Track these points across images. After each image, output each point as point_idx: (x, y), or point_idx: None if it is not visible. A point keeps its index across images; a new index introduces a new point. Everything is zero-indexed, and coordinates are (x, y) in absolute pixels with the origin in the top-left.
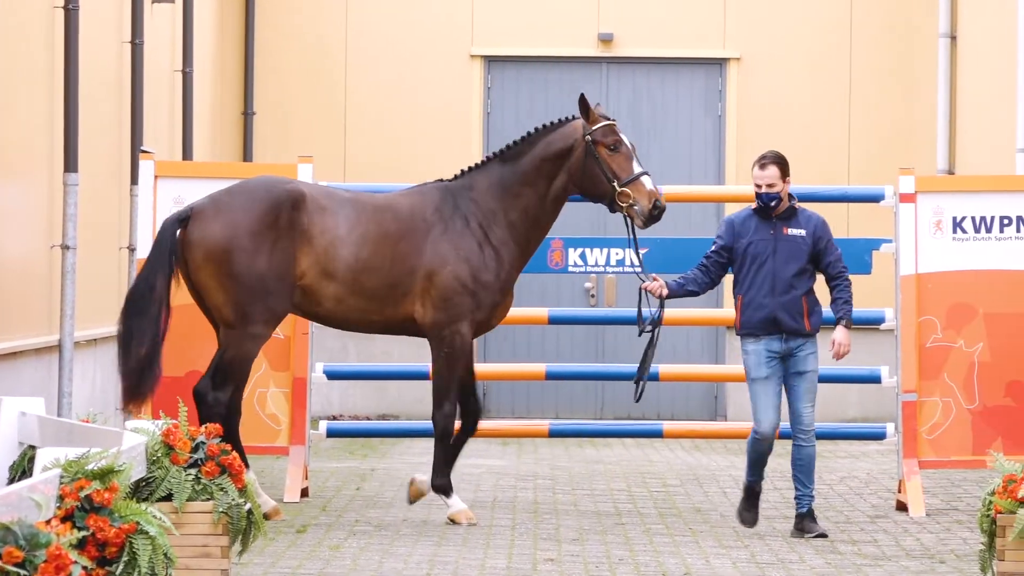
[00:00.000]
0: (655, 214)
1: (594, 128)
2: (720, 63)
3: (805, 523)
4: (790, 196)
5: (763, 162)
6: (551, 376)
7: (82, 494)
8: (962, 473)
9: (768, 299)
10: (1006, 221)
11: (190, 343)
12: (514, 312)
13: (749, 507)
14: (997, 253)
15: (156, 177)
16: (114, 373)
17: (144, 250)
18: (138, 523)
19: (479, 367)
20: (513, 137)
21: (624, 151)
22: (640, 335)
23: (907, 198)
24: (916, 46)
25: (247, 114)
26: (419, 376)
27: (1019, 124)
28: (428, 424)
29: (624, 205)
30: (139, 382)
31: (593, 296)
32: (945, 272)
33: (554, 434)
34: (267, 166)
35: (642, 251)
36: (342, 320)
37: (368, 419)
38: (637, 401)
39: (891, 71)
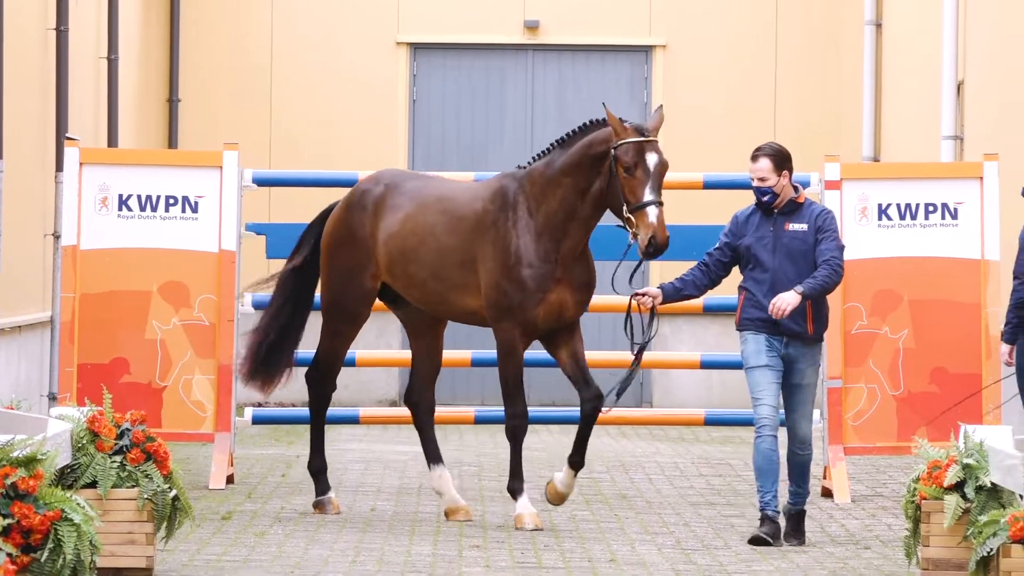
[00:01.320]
0: (650, 251)
1: (619, 143)
2: (646, 50)
3: (790, 526)
4: (795, 188)
5: (755, 154)
6: (477, 363)
7: (7, 481)
8: (887, 459)
9: (768, 300)
10: (931, 208)
11: (115, 331)
12: None
13: (763, 527)
14: (922, 240)
15: (81, 164)
16: (40, 360)
17: (69, 237)
18: (63, 510)
19: (405, 354)
20: (439, 125)
21: (639, 175)
22: (632, 349)
23: (832, 185)
24: (842, 34)
25: (172, 101)
26: (345, 363)
27: (944, 111)
28: (353, 411)
29: (630, 231)
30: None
31: None
32: (870, 259)
33: (480, 421)
34: (192, 153)
35: None
36: (432, 311)
37: (294, 406)
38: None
39: (817, 59)
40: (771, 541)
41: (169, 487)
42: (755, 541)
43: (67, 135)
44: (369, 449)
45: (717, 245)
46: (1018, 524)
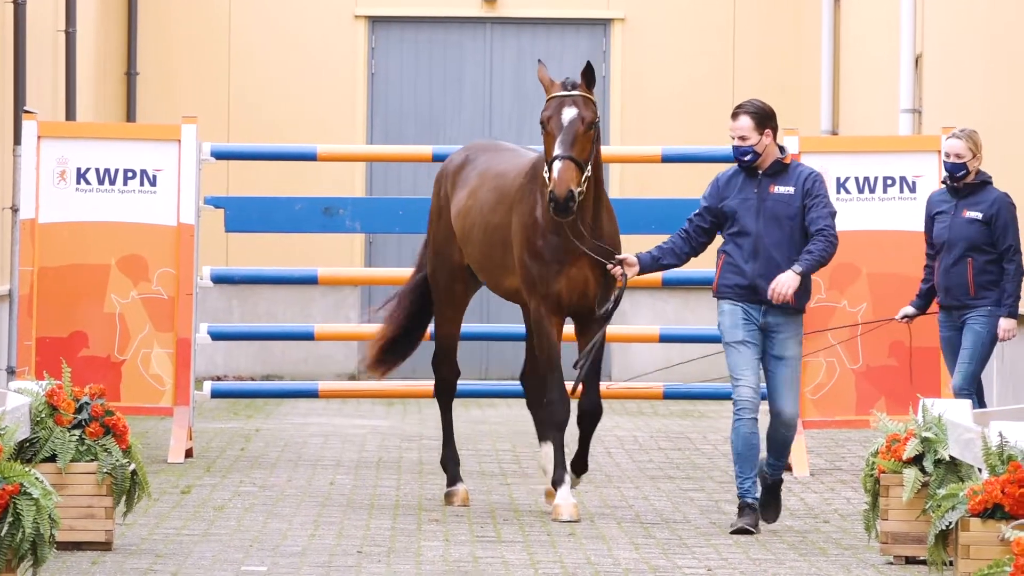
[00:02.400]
0: (549, 208)
1: (546, 100)
2: (604, 23)
3: (766, 497)
4: (781, 149)
5: (735, 112)
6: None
7: None
8: (846, 433)
9: (749, 265)
10: (889, 182)
11: (73, 305)
12: (398, 273)
13: (744, 518)
14: (880, 213)
15: (39, 137)
16: (2, 332)
17: (27, 210)
18: (22, 484)
19: (363, 328)
20: (398, 98)
21: (551, 130)
22: (597, 316)
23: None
24: (801, 7)
25: (131, 74)
26: (303, 336)
27: (902, 85)
28: (312, 385)
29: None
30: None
31: None
32: None
33: None
34: (151, 126)
35: None
36: (493, 290)
37: (252, 380)
38: (578, 382)
39: (776, 32)
40: (754, 531)
41: (128, 461)
42: (738, 532)
43: (25, 108)
44: (328, 423)
45: (697, 211)
46: (976, 498)
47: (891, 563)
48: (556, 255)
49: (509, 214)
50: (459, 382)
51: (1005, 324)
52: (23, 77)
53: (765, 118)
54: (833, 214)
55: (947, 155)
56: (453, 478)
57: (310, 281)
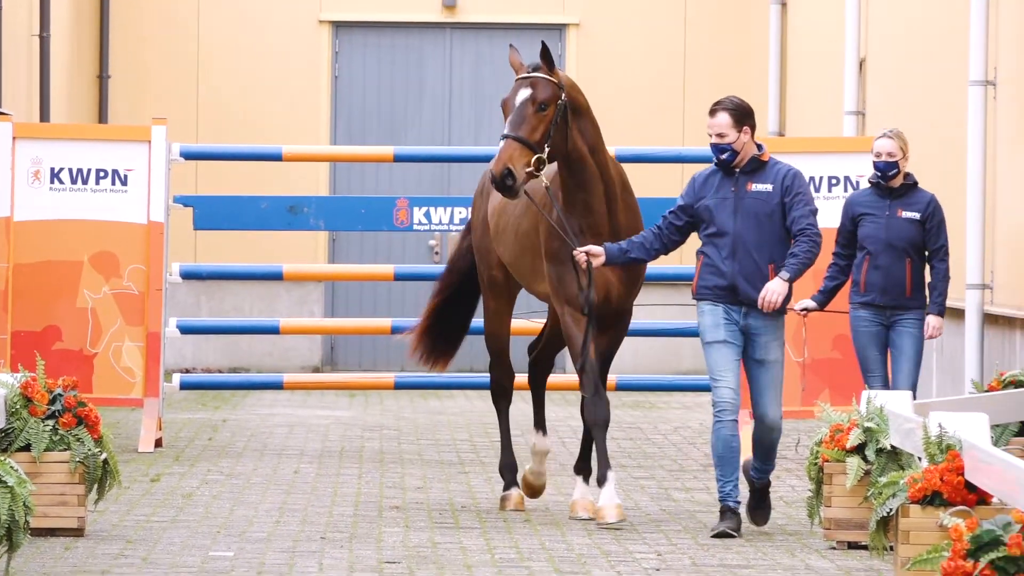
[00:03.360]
0: (494, 183)
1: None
2: (560, 28)
3: (754, 499)
4: (758, 147)
5: (713, 108)
6: (397, 330)
7: None
8: (791, 423)
9: (727, 265)
10: (834, 181)
11: (47, 300)
12: (361, 269)
13: (725, 522)
14: (825, 210)
15: (14, 138)
16: None
17: (2, 209)
18: None
19: (326, 322)
20: (360, 101)
21: (505, 110)
22: (584, 308)
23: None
24: (749, 12)
25: (103, 77)
26: (269, 330)
27: (846, 87)
28: (277, 377)
29: None
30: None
31: (437, 253)
32: None
33: (400, 386)
34: (122, 127)
35: None
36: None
37: (220, 372)
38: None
39: (725, 36)
40: (735, 535)
41: (100, 450)
42: (719, 536)
43: (1, 110)
44: (293, 414)
45: (672, 208)
46: (916, 485)
47: (834, 548)
48: (555, 253)
49: (535, 219)
50: (418, 374)
51: (935, 322)
52: None
53: (743, 115)
54: (814, 212)
55: (878, 154)
56: (509, 484)
57: (275, 277)
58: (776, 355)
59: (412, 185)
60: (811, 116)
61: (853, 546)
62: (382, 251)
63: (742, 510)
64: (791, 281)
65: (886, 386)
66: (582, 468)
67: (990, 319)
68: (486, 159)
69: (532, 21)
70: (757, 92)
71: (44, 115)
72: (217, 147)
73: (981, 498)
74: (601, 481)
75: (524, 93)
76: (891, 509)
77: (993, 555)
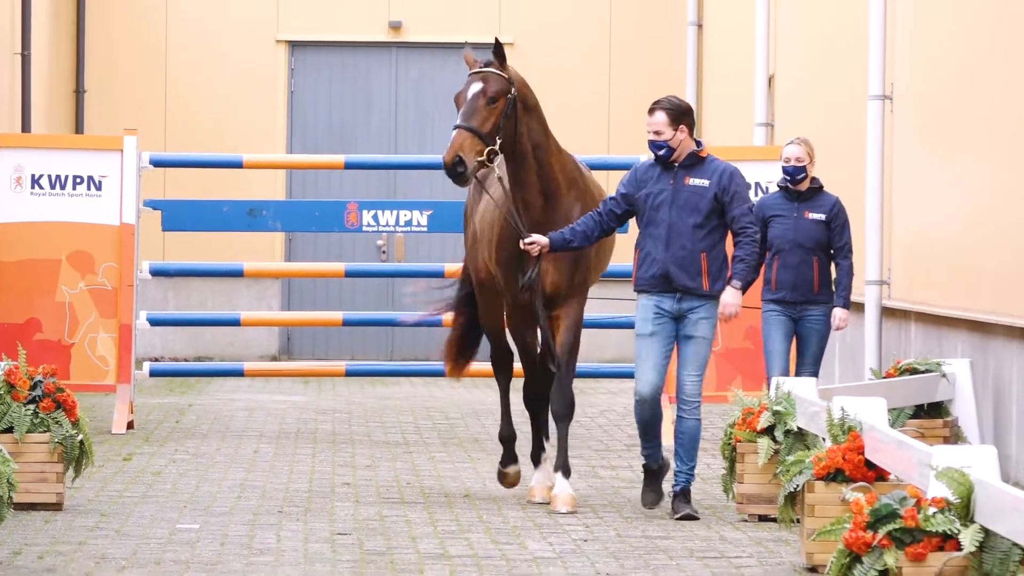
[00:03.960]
0: (445, 170)
1: None
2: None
3: (677, 503)
4: (697, 143)
5: (652, 108)
6: (347, 323)
7: None
8: (707, 407)
9: (662, 254)
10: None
11: (29, 295)
12: (314, 266)
13: (649, 486)
14: None
15: None
16: None
17: None
18: None
19: (283, 315)
20: (314, 114)
21: (458, 103)
22: (523, 289)
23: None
24: (668, 32)
25: (79, 92)
26: (230, 323)
27: (757, 101)
28: (238, 365)
29: None
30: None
31: (384, 252)
32: None
33: (350, 374)
34: (96, 137)
35: (426, 214)
36: None
37: (186, 360)
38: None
39: (647, 55)
40: (653, 507)
41: (76, 432)
42: (648, 505)
43: None
44: (253, 399)
45: (614, 196)
46: (820, 463)
47: (746, 520)
48: (516, 249)
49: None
50: (367, 362)
51: (842, 315)
52: None
53: (680, 114)
54: (751, 209)
55: (787, 160)
56: (507, 459)
57: (237, 274)
58: (704, 332)
59: (361, 190)
60: (725, 128)
61: (764, 519)
62: (334, 250)
63: (636, 492)
64: (744, 289)
65: (786, 375)
66: (535, 454)
67: (887, 312)
68: (429, 167)
69: (471, 41)
70: None
71: (25, 126)
72: (183, 155)
73: (879, 475)
74: (557, 469)
75: (475, 87)
76: (798, 485)
77: (890, 526)
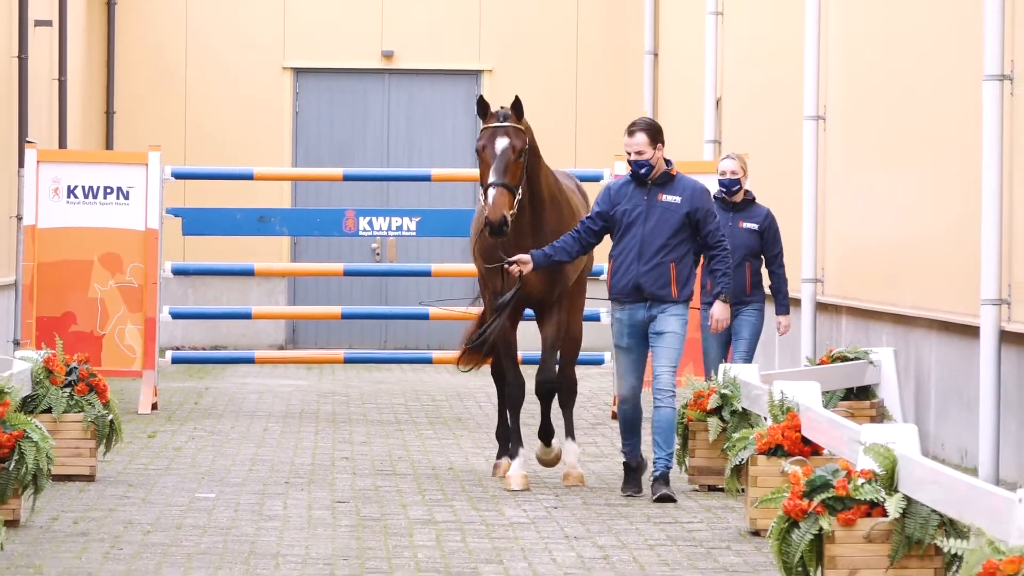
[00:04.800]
0: (487, 230)
1: (481, 129)
2: (476, 73)
3: (656, 486)
4: (667, 162)
5: (631, 129)
6: (346, 316)
7: None
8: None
9: (634, 265)
10: None
11: (65, 291)
12: (316, 267)
13: (629, 483)
14: None
15: (38, 162)
16: (6, 314)
17: (29, 218)
18: (25, 430)
19: (289, 309)
20: (316, 132)
21: (484, 157)
22: (495, 310)
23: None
24: (629, 60)
25: (109, 113)
26: (243, 316)
27: (706, 121)
28: (250, 353)
29: None
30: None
31: (378, 254)
32: None
33: (348, 361)
34: (124, 153)
35: (414, 220)
36: None
37: (204, 349)
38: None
39: (610, 79)
40: (634, 495)
41: (107, 412)
42: (661, 500)
43: (27, 139)
44: (262, 383)
45: (589, 214)
46: (763, 440)
47: (697, 490)
48: (492, 258)
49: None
50: (363, 351)
51: (784, 321)
52: (26, 115)
53: (657, 133)
54: (720, 225)
55: (723, 173)
56: (501, 452)
57: (248, 273)
58: (673, 327)
59: (358, 199)
60: (678, 144)
61: (713, 489)
62: (334, 252)
63: (600, 466)
64: (727, 299)
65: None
66: (543, 434)
67: (821, 307)
68: (418, 179)
69: (455, 68)
70: None
71: (62, 143)
72: (201, 168)
73: (814, 450)
74: (512, 455)
75: (503, 142)
76: (743, 459)
77: (824, 495)
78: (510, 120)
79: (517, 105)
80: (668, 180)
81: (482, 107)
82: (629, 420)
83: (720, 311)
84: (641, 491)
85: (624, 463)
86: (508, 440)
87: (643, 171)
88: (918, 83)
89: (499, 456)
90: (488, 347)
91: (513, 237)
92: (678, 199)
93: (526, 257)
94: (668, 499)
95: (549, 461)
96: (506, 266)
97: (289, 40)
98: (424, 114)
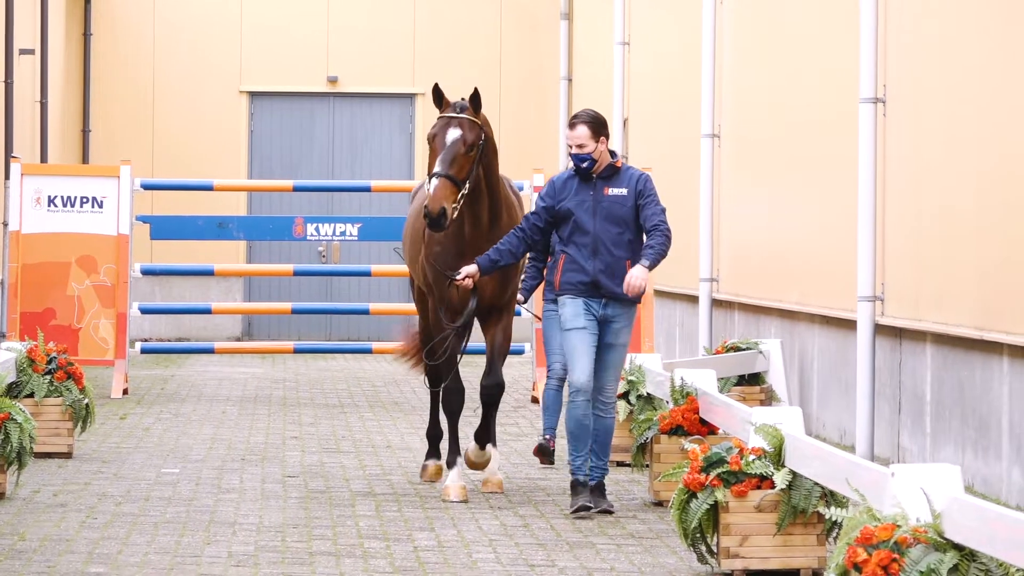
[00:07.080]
0: (426, 220)
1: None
2: (411, 96)
3: (594, 496)
4: (612, 154)
5: (573, 122)
6: (296, 311)
7: None
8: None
9: (590, 263)
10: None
11: (46, 290)
12: (270, 267)
13: (577, 499)
14: None
15: (23, 175)
16: None
17: (14, 224)
18: (10, 413)
19: (245, 305)
20: (269, 149)
21: (434, 147)
22: (458, 329)
23: (537, 188)
24: (546, 84)
25: (85, 131)
26: (204, 311)
27: (614, 139)
28: (210, 344)
29: None
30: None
31: (324, 256)
32: None
33: (298, 351)
34: (99, 167)
35: (356, 226)
36: None
37: (169, 341)
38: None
39: (529, 101)
40: (592, 507)
41: (83, 397)
42: (578, 511)
43: (12, 154)
44: (221, 371)
45: (534, 210)
46: (665, 421)
47: None
48: (445, 264)
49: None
50: (309, 342)
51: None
52: (11, 133)
53: (599, 126)
54: (663, 210)
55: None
56: (429, 454)
57: (209, 273)
58: (624, 339)
59: (306, 208)
60: None
61: (621, 464)
62: (284, 255)
63: (521, 444)
64: (650, 268)
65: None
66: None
67: (716, 303)
68: (359, 189)
69: (392, 91)
70: (550, 141)
71: (44, 158)
72: (167, 180)
73: (711, 430)
74: (450, 465)
75: (454, 133)
76: (647, 438)
77: (720, 470)
78: (467, 112)
79: (475, 98)
80: (613, 173)
81: (437, 95)
82: (579, 420)
83: (637, 271)
84: (591, 508)
85: (572, 482)
86: (438, 441)
87: (585, 164)
88: (801, 105)
89: (428, 458)
90: (444, 355)
91: (472, 240)
92: (624, 191)
93: (472, 268)
94: (607, 512)
95: (480, 465)
96: (456, 280)
97: (245, 67)
98: (364, 132)
